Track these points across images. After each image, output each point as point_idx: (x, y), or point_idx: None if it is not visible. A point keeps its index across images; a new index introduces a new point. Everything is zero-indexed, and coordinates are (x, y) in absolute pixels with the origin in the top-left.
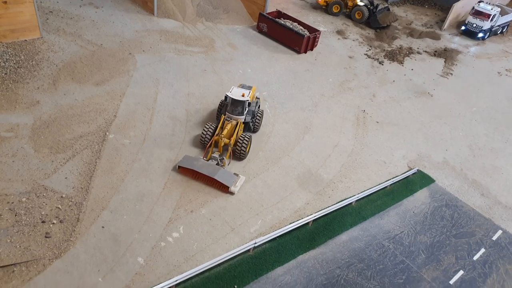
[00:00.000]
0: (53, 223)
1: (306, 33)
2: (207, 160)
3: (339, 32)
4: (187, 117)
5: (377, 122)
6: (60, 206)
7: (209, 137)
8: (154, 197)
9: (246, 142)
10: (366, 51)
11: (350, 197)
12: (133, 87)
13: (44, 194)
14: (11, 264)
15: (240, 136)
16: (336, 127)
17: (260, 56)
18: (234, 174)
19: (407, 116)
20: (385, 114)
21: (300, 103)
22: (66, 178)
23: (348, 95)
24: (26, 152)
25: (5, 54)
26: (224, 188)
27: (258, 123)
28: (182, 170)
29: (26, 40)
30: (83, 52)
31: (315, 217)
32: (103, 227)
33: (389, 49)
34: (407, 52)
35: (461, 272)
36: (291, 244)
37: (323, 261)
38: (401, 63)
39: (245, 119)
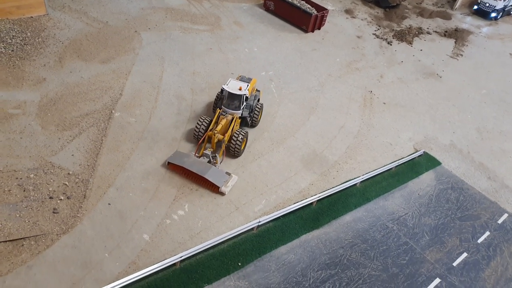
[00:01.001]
0: (61, 199)
1: (313, 11)
2: (199, 157)
3: (348, 11)
4: (193, 96)
5: (384, 104)
6: (67, 183)
7: (202, 132)
8: (160, 175)
9: (241, 139)
10: (375, 31)
11: (355, 178)
12: (138, 65)
13: (52, 171)
14: (21, 238)
15: (236, 131)
16: (342, 108)
17: (267, 35)
18: (226, 173)
19: (415, 97)
20: (393, 96)
21: (307, 83)
22: (72, 155)
23: (356, 75)
24: (33, 129)
25: (11, 31)
26: (214, 188)
27: (256, 118)
28: (172, 166)
29: (32, 17)
30: (88, 30)
31: (319, 198)
32: (109, 204)
33: (398, 29)
34: (417, 32)
35: (465, 255)
36: (295, 224)
37: (327, 241)
38: (410, 43)
39: (242, 114)
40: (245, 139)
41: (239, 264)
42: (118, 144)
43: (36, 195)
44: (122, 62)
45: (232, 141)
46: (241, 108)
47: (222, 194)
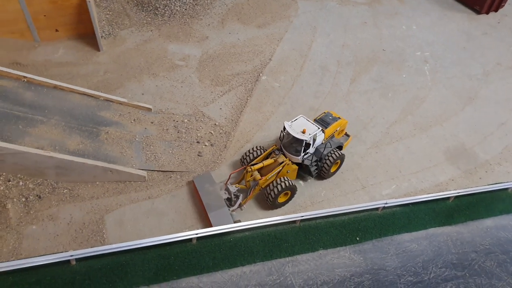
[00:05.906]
0: (205, 145)
1: None
2: (225, 188)
3: None
4: (337, 69)
5: None
6: (212, 132)
7: (248, 161)
8: None
9: (279, 190)
10: None
11: (508, 182)
12: (291, 33)
13: (202, 119)
14: (170, 171)
15: (278, 179)
16: (508, 102)
17: (430, 13)
18: (236, 222)
19: None
20: None
21: (468, 70)
22: (220, 109)
23: None
24: (192, 81)
25: None
26: None
27: (327, 170)
28: (194, 186)
29: None
30: None
31: (459, 194)
32: None
33: None
34: None
35: None
36: (425, 215)
37: (458, 240)
38: None
39: (302, 161)
40: (289, 192)
41: (357, 239)
42: (260, 105)
43: (186, 137)
44: (276, 28)
45: (267, 188)
46: (301, 155)
47: None
